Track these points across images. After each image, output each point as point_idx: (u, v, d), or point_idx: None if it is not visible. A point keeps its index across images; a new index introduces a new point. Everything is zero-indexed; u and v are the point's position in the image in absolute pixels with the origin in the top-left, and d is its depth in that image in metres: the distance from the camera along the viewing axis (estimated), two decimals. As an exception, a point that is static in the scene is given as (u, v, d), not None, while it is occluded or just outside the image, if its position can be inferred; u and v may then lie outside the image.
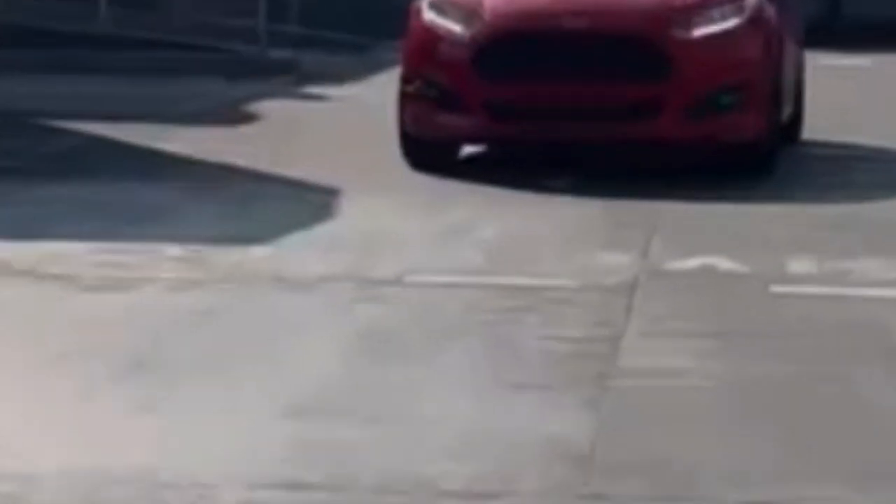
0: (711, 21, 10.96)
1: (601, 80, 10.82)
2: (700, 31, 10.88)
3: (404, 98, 11.18)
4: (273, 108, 16.63)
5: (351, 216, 9.30)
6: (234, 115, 15.37)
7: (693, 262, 7.72)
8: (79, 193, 10.42)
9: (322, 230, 8.78)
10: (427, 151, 11.24)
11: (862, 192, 10.82)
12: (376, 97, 14.05)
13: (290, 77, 19.86)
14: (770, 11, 11.30)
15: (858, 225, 9.25)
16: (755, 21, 11.10)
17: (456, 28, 10.97)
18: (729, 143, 11.07)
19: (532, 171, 10.88)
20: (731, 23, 11.01)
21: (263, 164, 11.70)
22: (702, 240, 8.45)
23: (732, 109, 10.99)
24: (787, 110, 12.00)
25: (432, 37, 11.12)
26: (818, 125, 13.76)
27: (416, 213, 9.36)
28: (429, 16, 11.16)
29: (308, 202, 9.80)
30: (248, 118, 15.36)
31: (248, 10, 22.82)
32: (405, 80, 11.28)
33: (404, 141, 11.23)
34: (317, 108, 16.31)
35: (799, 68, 12.98)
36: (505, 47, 10.86)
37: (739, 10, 11.07)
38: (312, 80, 16.68)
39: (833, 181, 11.50)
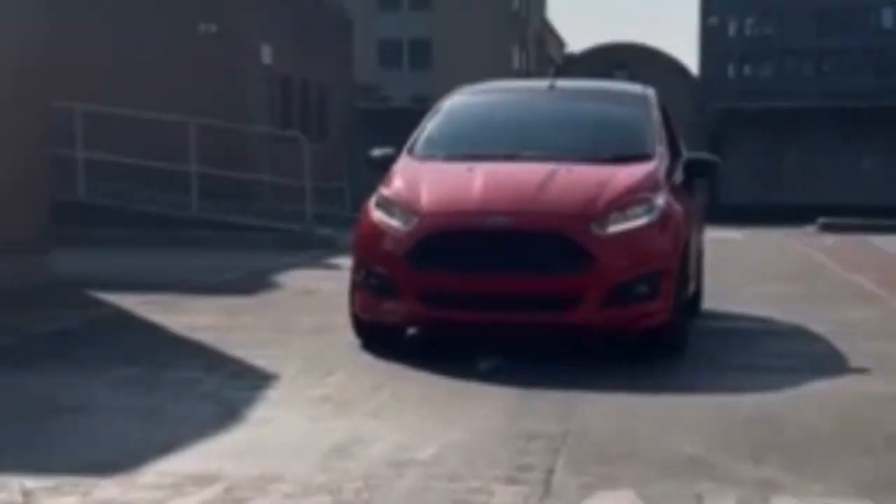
0: (626, 219, 9.83)
1: (525, 272, 9.70)
2: (615, 229, 9.74)
3: (353, 286, 10.33)
4: (294, 278, 16.01)
5: (255, 423, 7.66)
6: (257, 285, 14.16)
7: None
8: (29, 383, 9.06)
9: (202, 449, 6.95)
10: (374, 332, 10.29)
11: (764, 378, 9.53)
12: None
13: (328, 250, 19.26)
14: (677, 207, 10.39)
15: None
16: (664, 218, 10.07)
17: (396, 224, 10.01)
18: (642, 327, 9.91)
19: (465, 351, 9.85)
20: (643, 220, 9.89)
21: (235, 342, 10.54)
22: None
23: (646, 298, 9.77)
24: (691, 289, 11.27)
25: (377, 232, 10.15)
26: (708, 291, 13.26)
27: (324, 416, 7.95)
28: (376, 213, 10.25)
29: (228, 401, 8.30)
30: (267, 287, 14.04)
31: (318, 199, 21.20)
32: (354, 269, 10.36)
33: (355, 323, 10.38)
34: (331, 276, 15.28)
35: (699, 250, 12.44)
36: (437, 242, 9.79)
37: (650, 209, 9.99)
38: (344, 252, 14.26)
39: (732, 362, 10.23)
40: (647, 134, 11.06)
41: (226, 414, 7.73)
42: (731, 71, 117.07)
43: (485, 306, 9.62)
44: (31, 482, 6.06)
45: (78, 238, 19.04)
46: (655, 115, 11.41)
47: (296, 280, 15.63)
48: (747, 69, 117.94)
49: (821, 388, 9.01)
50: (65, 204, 20.50)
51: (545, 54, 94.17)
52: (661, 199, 10.09)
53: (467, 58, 74.18)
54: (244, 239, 20.36)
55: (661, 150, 10.88)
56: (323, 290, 14.36)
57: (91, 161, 21.81)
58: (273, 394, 8.48)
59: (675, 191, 10.57)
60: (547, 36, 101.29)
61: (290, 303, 13.63)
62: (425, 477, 6.32)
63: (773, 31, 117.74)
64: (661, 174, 10.52)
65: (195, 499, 5.90)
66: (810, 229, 30.30)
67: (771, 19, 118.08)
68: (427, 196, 10.02)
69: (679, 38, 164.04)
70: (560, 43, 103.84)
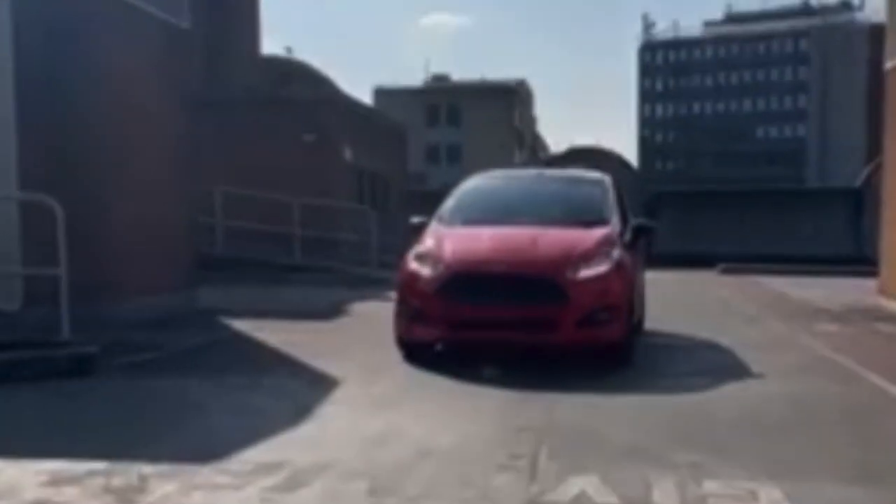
0: (591, 267, 9.21)
1: (520, 304, 9.03)
2: (584, 274, 9.13)
3: (397, 314, 9.67)
4: (361, 308, 15.00)
5: (319, 419, 6.95)
6: (335, 312, 13.38)
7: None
8: (162, 386, 8.38)
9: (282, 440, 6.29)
10: (412, 348, 9.60)
11: (691, 380, 8.85)
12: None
13: (387, 287, 16.91)
14: (627, 258, 9.80)
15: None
16: (618, 266, 9.45)
17: (427, 271, 9.37)
18: (604, 344, 9.24)
19: (476, 362, 9.00)
20: (603, 268, 9.27)
21: (316, 354, 9.81)
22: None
23: (606, 322, 9.13)
24: (637, 316, 10.60)
25: (414, 276, 9.48)
26: (647, 315, 12.29)
27: (372, 413, 7.27)
28: (413, 263, 9.61)
29: (304, 401, 7.65)
30: (342, 314, 13.25)
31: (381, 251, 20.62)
32: (397, 302, 9.69)
33: (398, 341, 9.70)
34: (387, 306, 13.18)
35: (642, 287, 11.61)
36: (457, 283, 9.15)
37: (607, 260, 9.37)
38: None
39: (667, 369, 9.41)
40: (605, 206, 10.47)
41: (299, 411, 7.00)
42: (658, 165, 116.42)
43: (491, 329, 8.95)
44: (147, 468, 5.32)
45: (217, 280, 18.50)
46: (611, 193, 10.82)
47: (362, 309, 14.87)
48: (670, 164, 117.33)
49: (732, 390, 8.30)
50: (209, 256, 20.02)
51: (536, 153, 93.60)
52: (616, 253, 9.49)
53: (485, 156, 73.69)
54: (330, 279, 19.69)
55: (615, 218, 10.30)
56: (381, 315, 13.50)
57: (227, 227, 21.36)
58: (337, 395, 7.76)
59: (625, 247, 9.93)
60: (537, 142, 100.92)
61: (357, 325, 12.90)
62: (442, 463, 5.57)
63: (687, 140, 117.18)
64: (616, 235, 9.92)
65: (267, 482, 5.18)
66: (714, 272, 29.49)
67: (686, 132, 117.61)
68: (450, 250, 9.40)
69: (625, 142, 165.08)
70: (545, 146, 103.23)
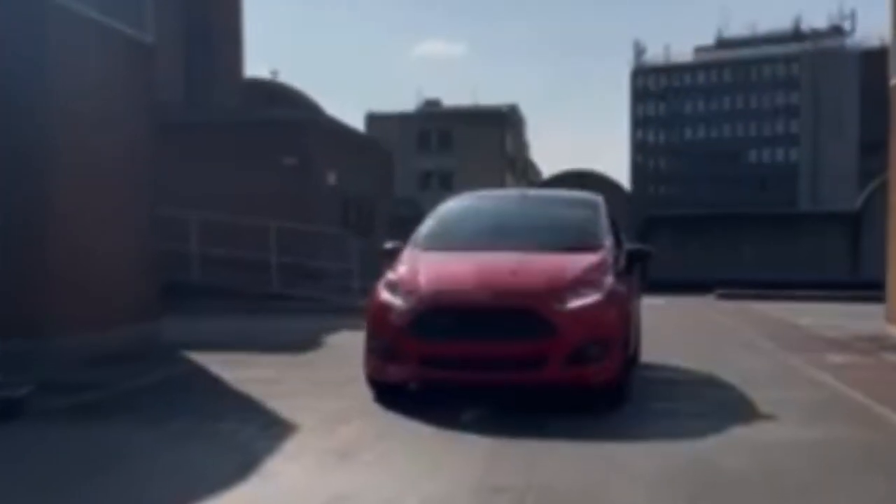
0: (581, 297, 8.17)
1: (502, 339, 7.98)
2: (573, 304, 8.09)
3: (366, 351, 8.56)
4: (337, 338, 14.25)
5: (268, 476, 5.95)
6: (307, 344, 12.47)
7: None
8: (92, 436, 7.26)
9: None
10: (383, 388, 8.51)
11: (692, 424, 7.84)
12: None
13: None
14: (620, 286, 8.78)
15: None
16: (611, 295, 8.42)
17: (399, 302, 8.30)
18: (596, 382, 8.13)
19: (455, 402, 8.07)
20: (595, 297, 8.23)
21: (275, 394, 8.78)
22: None
23: (598, 359, 8.06)
24: (632, 349, 9.61)
25: (384, 308, 8.39)
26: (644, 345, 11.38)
27: (329, 467, 6.26)
28: (384, 293, 8.53)
29: (253, 452, 6.60)
30: (315, 346, 12.32)
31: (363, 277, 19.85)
32: (367, 338, 8.56)
33: (369, 381, 8.59)
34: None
35: (637, 317, 10.65)
36: (431, 316, 8.09)
37: (600, 289, 8.34)
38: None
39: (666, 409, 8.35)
40: (597, 229, 9.42)
41: (247, 465, 5.97)
42: (651, 190, 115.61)
43: (469, 367, 7.91)
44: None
45: (192, 309, 17.63)
46: (603, 215, 9.77)
47: (338, 340, 13.81)
48: (663, 189, 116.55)
49: (741, 435, 7.27)
50: (183, 284, 19.07)
51: (528, 179, 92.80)
52: (609, 281, 8.46)
53: (477, 181, 72.57)
54: (309, 308, 18.71)
55: (608, 242, 9.23)
56: (357, 348, 12.44)
57: (203, 254, 20.41)
58: (291, 445, 6.72)
59: (619, 273, 8.89)
60: (529, 168, 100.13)
61: (329, 359, 11.83)
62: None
63: (679, 165, 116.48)
64: (609, 261, 8.86)
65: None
66: (710, 297, 28.57)
67: (678, 156, 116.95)
68: (423, 279, 8.37)
69: (618, 167, 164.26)
70: (537, 172, 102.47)
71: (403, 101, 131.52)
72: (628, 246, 9.86)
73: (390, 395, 8.39)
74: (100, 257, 11.78)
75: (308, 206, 23.03)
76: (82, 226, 11.36)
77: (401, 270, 8.65)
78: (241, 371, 10.28)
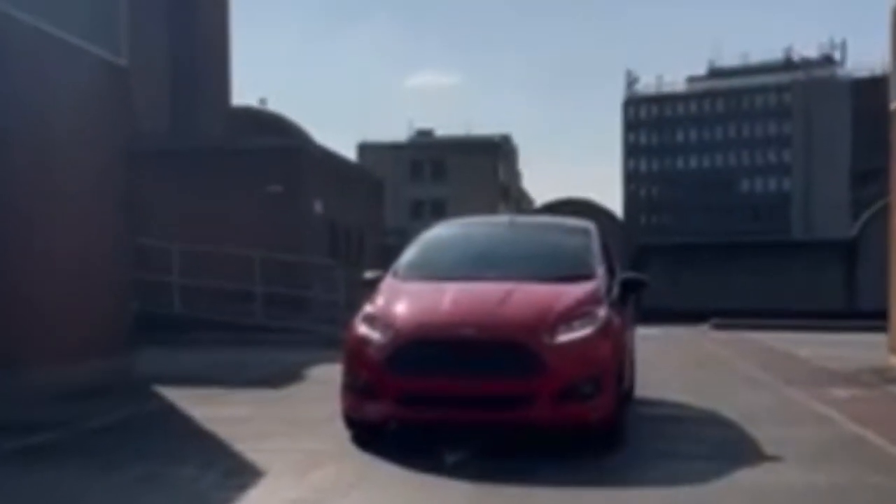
0: (572, 330, 7.55)
1: (487, 376, 7.35)
2: (564, 338, 7.47)
3: (343, 388, 7.90)
4: (319, 371, 13.95)
5: None
6: (287, 378, 11.80)
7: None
8: (45, 481, 6.55)
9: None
10: (361, 427, 7.87)
11: (692, 466, 7.19)
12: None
13: None
14: (615, 319, 8.10)
15: None
16: (604, 328, 7.78)
17: (377, 336, 7.67)
18: (588, 422, 7.51)
19: (437, 443, 7.45)
20: (587, 331, 7.61)
21: (245, 435, 8.10)
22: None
23: (590, 396, 7.45)
24: (627, 384, 9.03)
25: (361, 343, 7.76)
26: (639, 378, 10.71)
27: None
28: (361, 327, 7.88)
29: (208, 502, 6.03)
30: (295, 380, 11.61)
31: (351, 308, 19.07)
32: (343, 374, 7.90)
33: (346, 420, 7.94)
34: None
35: (632, 350, 10.01)
36: (410, 351, 7.47)
37: (592, 321, 7.71)
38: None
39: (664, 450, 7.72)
40: (589, 258, 8.79)
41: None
42: (644, 219, 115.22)
43: (452, 406, 7.31)
44: None
45: (172, 341, 17.04)
46: (596, 242, 9.17)
47: (320, 374, 13.15)
48: (655, 218, 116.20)
49: (744, 479, 6.66)
50: (164, 316, 18.50)
51: (520, 208, 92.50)
52: (602, 312, 7.83)
53: (469, 211, 72.15)
54: (294, 339, 18.10)
55: (601, 271, 8.61)
56: (339, 382, 11.98)
57: (185, 285, 19.83)
58: (255, 494, 6.08)
59: (612, 304, 8.27)
60: (522, 197, 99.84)
61: (308, 394, 11.23)
62: None
63: (672, 194, 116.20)
64: (602, 291, 8.24)
65: None
66: (704, 327, 28.01)
67: (671, 186, 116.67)
68: (403, 311, 7.78)
69: (611, 196, 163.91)
70: (530, 201, 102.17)
71: (397, 131, 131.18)
72: (622, 275, 9.27)
73: (368, 434, 7.78)
74: (69, 287, 11.20)
75: (294, 235, 22.50)
76: (49, 255, 10.79)
77: (379, 302, 8.05)
78: (212, 408, 9.67)
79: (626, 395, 8.95)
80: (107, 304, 12.16)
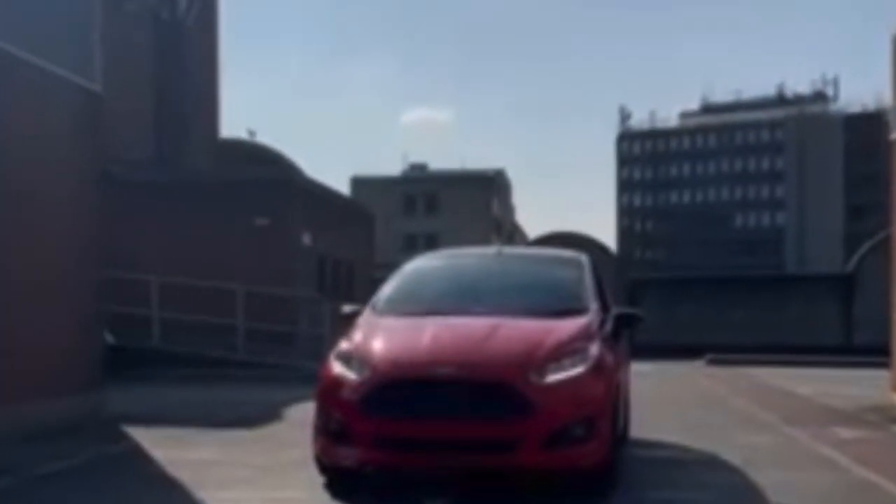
0: (562, 369, 6.92)
1: (469, 418, 6.73)
2: (554, 377, 6.85)
3: (316, 430, 7.24)
4: (300, 410, 12.74)
5: None
6: (265, 418, 11.09)
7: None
8: None
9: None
10: (334, 473, 7.16)
11: None
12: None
13: None
14: (608, 356, 7.47)
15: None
16: (597, 366, 7.13)
17: (352, 375, 7.04)
18: (579, 468, 6.86)
19: (414, 492, 6.96)
20: (579, 369, 6.97)
21: (210, 481, 7.51)
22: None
23: (582, 440, 6.81)
24: (621, 425, 8.35)
25: (336, 382, 7.12)
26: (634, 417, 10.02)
27: None
28: (335, 365, 7.26)
29: None
30: (273, 419, 10.95)
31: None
32: (316, 416, 7.26)
33: (318, 465, 7.26)
34: None
35: (627, 389, 9.34)
36: (387, 391, 6.85)
37: (584, 359, 7.06)
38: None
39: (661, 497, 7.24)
40: (582, 291, 8.19)
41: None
42: (638, 254, 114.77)
43: (432, 450, 6.68)
44: None
45: (151, 377, 16.43)
46: (589, 275, 8.55)
47: (300, 412, 12.35)
48: (649, 253, 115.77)
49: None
50: (144, 350, 17.89)
51: (513, 241, 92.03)
52: (594, 349, 7.21)
53: (463, 245, 71.67)
54: (277, 376, 17.44)
55: (594, 305, 8.00)
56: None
57: (165, 318, 19.20)
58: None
59: (606, 340, 7.65)
60: (516, 231, 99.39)
61: (284, 435, 10.55)
62: None
63: (666, 229, 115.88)
64: (595, 326, 7.63)
65: None
66: (700, 363, 27.41)
67: (665, 220, 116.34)
68: (379, 348, 7.16)
69: (605, 231, 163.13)
70: (524, 235, 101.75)
71: (391, 166, 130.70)
72: (616, 310, 8.68)
73: (342, 481, 7.13)
74: (34, 320, 10.59)
75: (281, 268, 21.90)
76: (13, 286, 10.19)
77: (355, 338, 7.44)
78: (179, 451, 9.04)
79: (620, 437, 8.34)
80: (76, 338, 11.54)
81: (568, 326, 7.47)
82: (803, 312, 35.07)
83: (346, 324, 7.98)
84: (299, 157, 71.82)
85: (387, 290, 8.40)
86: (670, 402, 15.32)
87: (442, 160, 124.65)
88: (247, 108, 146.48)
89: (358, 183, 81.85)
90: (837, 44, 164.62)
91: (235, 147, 30.03)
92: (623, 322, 8.37)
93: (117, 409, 11.95)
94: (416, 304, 8.00)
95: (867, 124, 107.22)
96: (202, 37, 27.72)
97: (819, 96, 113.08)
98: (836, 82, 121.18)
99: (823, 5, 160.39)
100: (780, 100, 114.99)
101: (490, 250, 9.47)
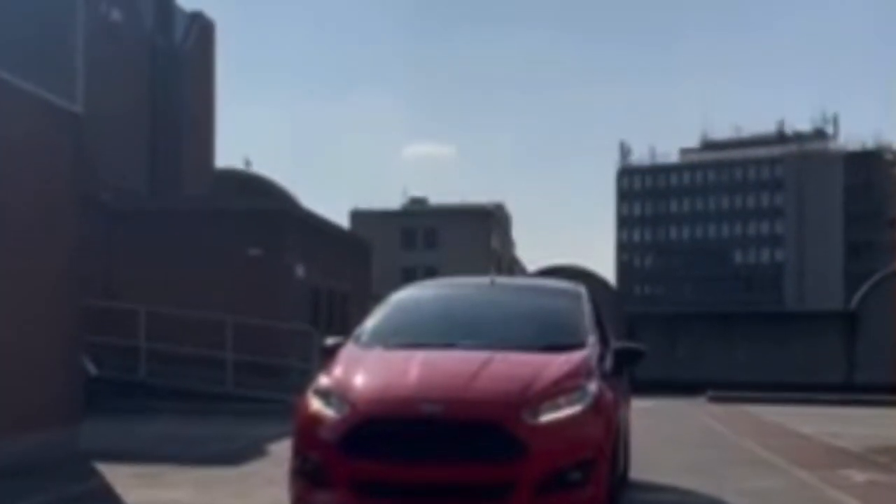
0: (558, 408, 6.33)
1: (457, 460, 6.13)
2: (548, 416, 6.27)
3: (291, 472, 6.65)
4: (286, 447, 10.61)
5: None
6: (249, 455, 10.39)
7: None
8: None
9: None
10: None
11: None
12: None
13: None
14: (608, 395, 6.86)
15: None
16: (597, 405, 6.53)
17: (331, 412, 6.46)
18: None
19: None
20: (576, 409, 6.38)
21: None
22: None
23: (578, 485, 6.21)
24: (620, 466, 7.58)
25: (313, 419, 6.56)
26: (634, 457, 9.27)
27: None
28: (313, 400, 6.64)
29: None
30: (257, 456, 10.27)
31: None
32: (292, 456, 6.70)
33: None
34: None
35: (627, 428, 8.64)
36: (367, 430, 6.25)
37: (582, 397, 6.46)
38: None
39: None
40: (579, 324, 7.59)
41: None
42: (637, 290, 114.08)
43: (415, 496, 6.11)
44: None
45: (136, 410, 15.84)
46: (587, 308, 7.97)
47: (286, 449, 11.77)
48: (648, 288, 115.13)
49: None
50: (129, 382, 17.33)
51: (513, 275, 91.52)
52: (593, 387, 6.62)
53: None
54: (263, 409, 16.82)
55: (592, 339, 7.41)
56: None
57: (152, 350, 18.63)
58: None
59: (606, 377, 7.06)
60: (515, 265, 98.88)
61: (267, 474, 9.83)
62: None
63: (665, 265, 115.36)
64: (594, 362, 7.04)
65: None
66: (701, 400, 26.75)
67: (664, 256, 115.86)
68: (361, 384, 6.59)
69: (604, 266, 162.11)
70: (523, 269, 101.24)
71: (391, 200, 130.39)
72: (616, 344, 8.12)
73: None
74: (7, 352, 10.05)
75: (273, 300, 21.34)
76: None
77: (335, 372, 6.86)
78: (151, 490, 8.47)
79: (620, 480, 7.72)
80: (50, 370, 10.97)
81: (564, 362, 6.88)
82: (805, 349, 34.43)
83: (328, 357, 7.44)
84: (299, 189, 71.26)
85: (372, 320, 7.85)
86: (672, 440, 14.72)
87: (442, 194, 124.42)
88: (247, 140, 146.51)
89: (357, 216, 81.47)
90: (837, 81, 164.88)
91: (230, 177, 29.58)
92: (624, 357, 7.80)
93: (95, 444, 11.36)
94: (403, 336, 7.42)
95: (866, 162, 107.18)
96: (199, 65, 27.35)
97: (819, 133, 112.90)
98: (835, 120, 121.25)
99: (823, 43, 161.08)
100: (780, 137, 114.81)
101: (483, 280, 8.88)
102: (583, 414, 6.40)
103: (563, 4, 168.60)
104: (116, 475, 9.33)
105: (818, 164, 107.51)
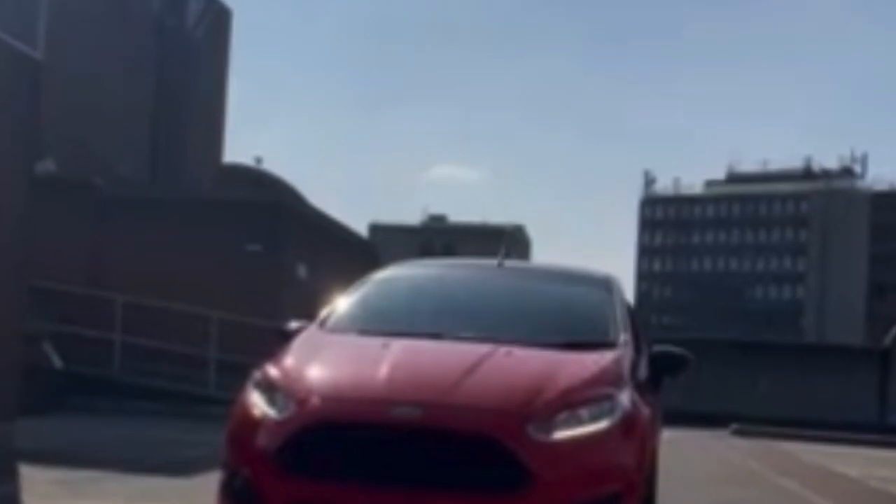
0: (577, 422, 4.53)
1: (435, 488, 4.29)
2: (563, 434, 4.46)
3: (220, 487, 4.87)
4: None
5: None
6: (208, 464, 8.47)
7: None
8: None
9: None
10: None
11: None
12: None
13: None
14: (644, 410, 5.01)
15: None
16: (628, 422, 4.71)
17: (272, 412, 4.68)
18: None
19: None
20: (601, 425, 4.56)
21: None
22: None
23: None
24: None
25: (250, 421, 4.75)
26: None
27: None
28: (252, 396, 4.88)
29: None
30: (210, 466, 8.37)
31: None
32: (222, 467, 4.89)
33: None
34: None
35: (656, 454, 5.83)
36: (315, 438, 4.45)
37: (610, 411, 4.64)
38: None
39: None
40: (608, 318, 5.80)
41: None
42: (655, 320, 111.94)
43: (377, 530, 4.41)
44: None
45: (104, 408, 14.25)
46: (619, 299, 6.19)
47: None
48: (666, 319, 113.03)
49: None
50: (100, 378, 15.72)
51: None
52: (625, 398, 4.84)
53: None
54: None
55: (625, 338, 5.62)
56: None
57: (129, 343, 16.98)
58: None
59: (640, 389, 5.25)
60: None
61: (212, 489, 8.29)
62: None
63: (684, 296, 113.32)
64: (626, 367, 5.26)
65: None
66: (724, 433, 24.90)
67: (684, 288, 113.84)
68: (315, 376, 4.86)
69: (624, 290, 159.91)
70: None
71: (411, 217, 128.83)
72: (655, 348, 6.32)
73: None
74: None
75: (271, 300, 19.64)
76: None
77: (285, 362, 5.18)
78: (81, 501, 6.83)
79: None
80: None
81: (587, 363, 5.14)
82: (833, 385, 32.58)
83: (282, 342, 5.75)
84: (318, 197, 69.93)
85: (346, 300, 6.14)
86: (699, 477, 12.90)
87: (463, 216, 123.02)
88: (275, 149, 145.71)
89: (376, 229, 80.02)
90: (867, 121, 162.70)
91: (238, 172, 28.05)
92: (663, 365, 5.96)
93: (36, 444, 9.73)
94: (382, 321, 5.69)
95: (894, 202, 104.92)
96: (211, 52, 25.88)
97: (846, 172, 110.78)
98: (864, 159, 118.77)
99: (854, 83, 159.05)
100: (807, 174, 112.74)
101: (489, 261, 7.09)
102: (610, 432, 4.64)
103: (592, 33, 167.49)
104: (36, 481, 7.67)
105: (844, 202, 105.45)
